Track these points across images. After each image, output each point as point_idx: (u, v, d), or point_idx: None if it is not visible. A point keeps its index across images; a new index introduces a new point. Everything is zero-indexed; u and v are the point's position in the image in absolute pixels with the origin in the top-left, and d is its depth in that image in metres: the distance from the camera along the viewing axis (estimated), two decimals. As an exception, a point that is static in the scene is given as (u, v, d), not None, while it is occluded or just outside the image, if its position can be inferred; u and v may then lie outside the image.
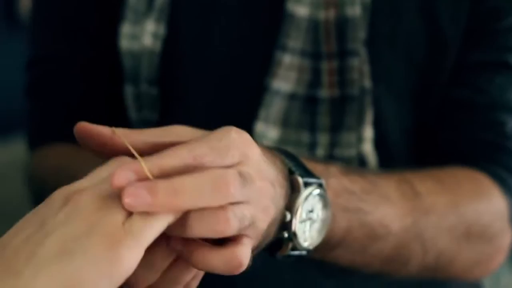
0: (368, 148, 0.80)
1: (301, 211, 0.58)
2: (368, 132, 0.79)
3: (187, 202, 0.49)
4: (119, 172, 0.48)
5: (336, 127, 0.80)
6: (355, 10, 0.78)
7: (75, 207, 0.48)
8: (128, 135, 0.54)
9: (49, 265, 0.45)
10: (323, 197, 0.60)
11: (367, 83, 0.79)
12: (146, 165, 0.49)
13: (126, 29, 0.83)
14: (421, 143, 0.84)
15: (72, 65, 0.89)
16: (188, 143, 0.52)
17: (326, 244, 0.64)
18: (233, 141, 0.52)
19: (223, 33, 0.81)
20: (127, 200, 0.46)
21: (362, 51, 0.79)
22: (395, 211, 0.73)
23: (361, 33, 0.78)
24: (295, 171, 0.59)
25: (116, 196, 0.49)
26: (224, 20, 0.81)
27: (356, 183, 0.69)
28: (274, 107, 0.79)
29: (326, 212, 0.61)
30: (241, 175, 0.51)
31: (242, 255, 0.51)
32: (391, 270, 0.76)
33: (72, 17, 0.88)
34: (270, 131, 0.80)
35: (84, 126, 0.54)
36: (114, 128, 0.54)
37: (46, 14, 0.91)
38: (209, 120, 0.80)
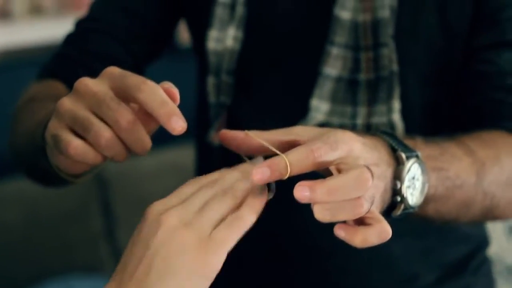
0: (396, 117, 0.99)
1: (407, 179, 0.77)
2: (396, 104, 0.98)
3: (337, 197, 0.66)
4: (257, 170, 0.66)
5: (371, 101, 0.99)
6: (385, 13, 0.98)
7: (166, 229, 0.64)
8: (260, 136, 0.72)
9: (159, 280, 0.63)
10: (421, 165, 0.78)
11: (395, 67, 0.98)
12: (280, 161, 0.66)
13: (213, 33, 1.05)
14: (441, 114, 1.02)
15: (113, 33, 1.05)
16: (307, 142, 0.69)
17: (424, 200, 0.81)
18: (340, 138, 0.69)
19: (284, 33, 1.03)
20: (298, 193, 0.65)
21: (391, 43, 0.98)
22: (463, 165, 0.89)
23: (390, 30, 0.98)
24: (397, 149, 0.77)
25: (198, 211, 0.66)
26: (285, 24, 1.03)
27: (434, 149, 0.86)
28: (325, 87, 1.00)
29: (424, 176, 0.79)
30: (369, 170, 0.67)
31: (388, 227, 0.69)
32: (462, 215, 0.92)
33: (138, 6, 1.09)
34: (322, 105, 1.01)
35: (224, 133, 0.73)
36: (247, 131, 0.71)
37: None
38: (273, 98, 1.05)
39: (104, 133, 0.69)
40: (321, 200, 0.66)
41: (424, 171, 0.79)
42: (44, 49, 1.91)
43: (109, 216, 1.89)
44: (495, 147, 0.94)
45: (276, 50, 1.05)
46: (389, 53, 0.99)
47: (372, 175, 0.68)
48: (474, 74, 1.00)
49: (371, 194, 0.70)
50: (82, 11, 2.02)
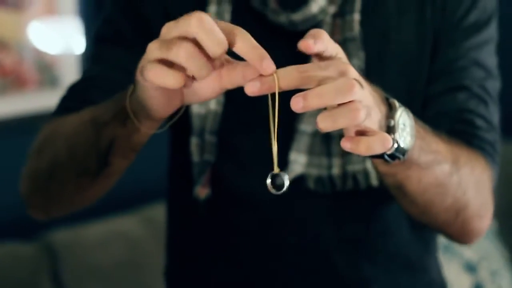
0: (369, 165, 1.10)
1: (399, 122, 0.84)
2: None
3: (327, 100, 0.73)
4: (249, 83, 0.75)
5: (344, 153, 1.10)
6: None
7: None
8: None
9: None
10: (409, 114, 0.87)
11: None
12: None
13: None
14: None
15: (114, 88, 1.00)
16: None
17: (409, 159, 0.88)
18: (335, 62, 0.77)
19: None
20: (294, 104, 0.73)
21: None
22: (444, 146, 0.97)
23: None
24: (389, 98, 0.86)
25: None
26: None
27: (417, 121, 0.92)
28: (302, 142, 1.11)
29: (412, 122, 0.87)
30: (357, 81, 0.75)
31: (389, 136, 0.78)
32: (438, 200, 0.99)
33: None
34: (300, 158, 1.11)
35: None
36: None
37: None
38: (254, 155, 1.13)
39: (185, 45, 0.74)
40: (314, 103, 0.73)
41: (412, 119, 0.88)
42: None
43: (59, 286, 1.91)
44: (467, 152, 1.05)
45: (255, 110, 1.12)
46: None
47: (361, 85, 0.75)
48: (435, 115, 1.12)
49: (365, 104, 0.76)
50: (26, 90, 2.07)
